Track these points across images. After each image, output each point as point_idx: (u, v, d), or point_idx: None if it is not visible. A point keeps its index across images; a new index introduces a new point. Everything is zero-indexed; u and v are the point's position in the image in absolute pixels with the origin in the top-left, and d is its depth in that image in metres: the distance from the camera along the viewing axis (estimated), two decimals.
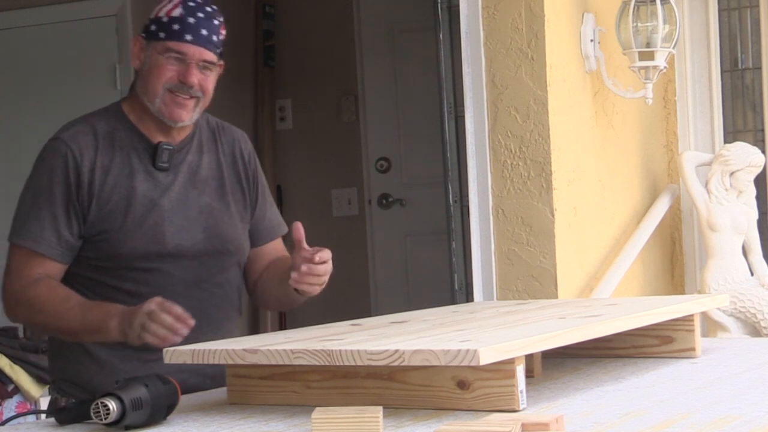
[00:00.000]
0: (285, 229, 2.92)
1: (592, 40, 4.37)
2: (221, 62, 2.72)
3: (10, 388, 4.39)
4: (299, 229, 2.58)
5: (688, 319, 2.43)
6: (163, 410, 1.94)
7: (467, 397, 1.86)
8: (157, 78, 2.62)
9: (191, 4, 2.64)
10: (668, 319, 2.40)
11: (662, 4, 4.37)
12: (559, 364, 2.36)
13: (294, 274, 2.57)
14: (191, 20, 2.62)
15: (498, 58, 4.17)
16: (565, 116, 4.21)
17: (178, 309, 2.41)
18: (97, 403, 1.87)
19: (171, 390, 1.96)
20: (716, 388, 2.06)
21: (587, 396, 2.01)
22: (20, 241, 2.62)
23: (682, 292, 4.98)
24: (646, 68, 4.40)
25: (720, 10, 5.04)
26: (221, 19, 2.68)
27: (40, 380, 4.41)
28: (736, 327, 4.69)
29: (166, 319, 2.40)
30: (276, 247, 2.88)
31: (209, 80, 2.66)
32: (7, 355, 4.39)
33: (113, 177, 2.62)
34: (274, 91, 6.60)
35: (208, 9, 2.66)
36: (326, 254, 2.57)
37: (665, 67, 4.46)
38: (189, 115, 2.64)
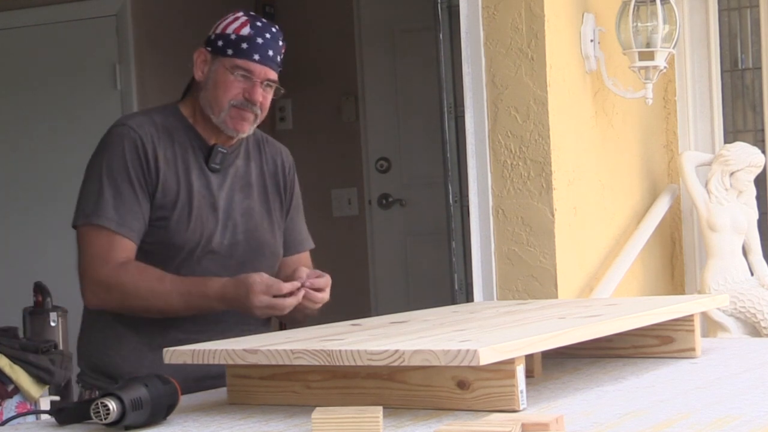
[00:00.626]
0: (311, 245, 3.01)
1: (592, 40, 4.37)
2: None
3: (10, 388, 4.39)
4: (302, 275, 2.65)
5: (688, 319, 2.43)
6: (163, 410, 1.94)
7: (467, 397, 1.86)
8: (224, 93, 2.72)
9: (258, 24, 2.75)
10: (668, 319, 2.40)
11: (662, 4, 4.37)
12: (559, 364, 2.36)
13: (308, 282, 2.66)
14: (260, 41, 2.73)
15: (498, 58, 4.17)
16: (565, 116, 4.21)
17: (287, 285, 2.56)
18: (97, 403, 1.87)
19: (171, 390, 1.96)
20: (716, 388, 2.06)
21: (587, 396, 2.01)
22: (103, 223, 2.63)
23: (682, 292, 4.98)
24: (646, 68, 4.40)
25: (720, 10, 5.04)
26: (283, 40, 2.82)
27: (40, 380, 4.40)
28: (736, 327, 4.69)
29: (279, 300, 2.55)
30: (300, 261, 2.94)
31: (269, 98, 2.79)
32: (7, 355, 4.38)
33: (174, 168, 2.71)
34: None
35: (274, 30, 2.78)
36: (323, 282, 2.67)
37: (665, 67, 4.46)
38: (249, 128, 2.77)
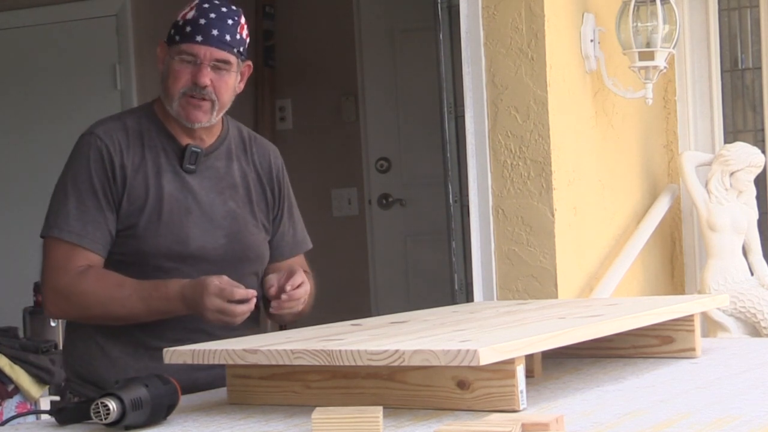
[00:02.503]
0: (308, 245, 2.95)
1: (592, 40, 4.37)
2: (248, 63, 2.77)
3: (10, 388, 4.39)
4: (273, 287, 2.63)
5: (688, 319, 2.43)
6: (163, 410, 1.94)
7: (467, 397, 1.86)
8: (173, 82, 2.66)
9: (205, 5, 2.68)
10: (668, 319, 2.40)
11: (662, 4, 4.37)
12: (559, 364, 2.36)
13: (274, 303, 2.62)
14: (202, 21, 2.65)
15: (498, 58, 4.17)
16: (565, 116, 4.21)
17: (240, 291, 2.48)
18: (97, 403, 1.87)
19: (171, 390, 1.96)
20: (716, 388, 2.06)
21: (587, 396, 2.01)
22: (63, 236, 2.61)
23: (682, 292, 4.97)
24: (646, 68, 4.40)
25: (720, 10, 5.04)
26: (238, 19, 2.71)
27: (40, 380, 4.41)
28: (736, 327, 4.69)
29: (231, 305, 2.47)
30: (297, 263, 2.89)
31: (224, 81, 2.68)
32: (7, 355, 4.38)
33: (143, 174, 2.65)
34: (274, 91, 6.60)
35: (223, 9, 2.69)
36: (298, 278, 2.62)
37: (665, 67, 4.46)
38: (206, 116, 2.67)
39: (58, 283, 2.61)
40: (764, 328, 4.64)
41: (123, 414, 1.86)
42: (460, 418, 1.81)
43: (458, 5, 4.27)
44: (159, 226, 2.63)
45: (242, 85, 2.78)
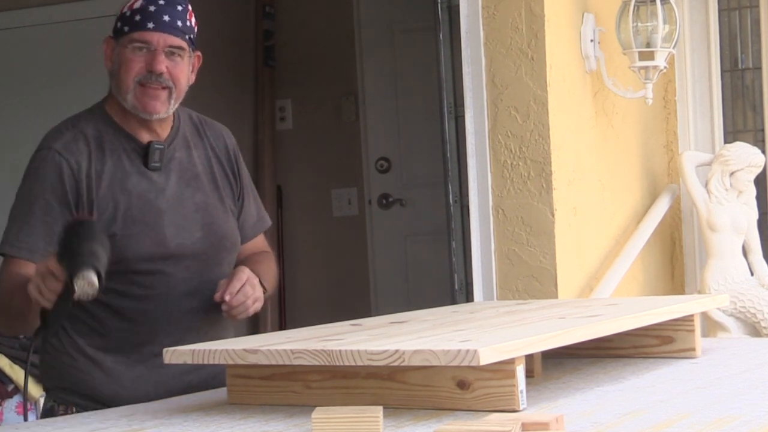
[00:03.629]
0: (268, 222, 2.90)
1: (592, 40, 4.37)
2: (197, 53, 2.69)
3: (10, 388, 4.39)
4: (218, 293, 2.57)
5: (688, 319, 2.44)
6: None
7: (467, 397, 1.86)
8: (126, 72, 2.60)
9: None
10: (668, 319, 2.40)
11: (662, 4, 4.37)
12: (559, 364, 2.36)
13: (224, 308, 2.56)
14: (152, 8, 2.59)
15: (498, 58, 4.17)
16: (565, 116, 4.21)
17: (53, 264, 2.31)
18: (83, 285, 2.00)
19: (91, 224, 2.15)
20: (716, 388, 2.06)
21: (587, 396, 2.01)
22: (14, 252, 2.55)
23: (682, 292, 4.97)
24: (646, 68, 4.40)
25: (720, 10, 5.04)
26: (186, 6, 2.65)
27: (40, 380, 4.41)
28: (736, 327, 4.69)
29: (43, 275, 2.33)
30: (256, 244, 2.85)
31: (179, 68, 2.62)
32: (7, 355, 4.39)
33: (108, 181, 2.59)
34: (274, 91, 6.59)
35: None
36: (236, 284, 2.55)
37: (665, 67, 4.46)
38: (164, 106, 2.61)
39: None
40: (764, 328, 4.64)
41: (100, 276, 2.04)
42: (460, 418, 1.81)
43: (458, 5, 4.27)
44: (134, 231, 2.57)
45: (194, 77, 2.70)
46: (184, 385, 2.51)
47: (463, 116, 4.26)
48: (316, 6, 6.51)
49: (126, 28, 2.61)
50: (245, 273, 2.58)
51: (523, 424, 1.60)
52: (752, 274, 4.74)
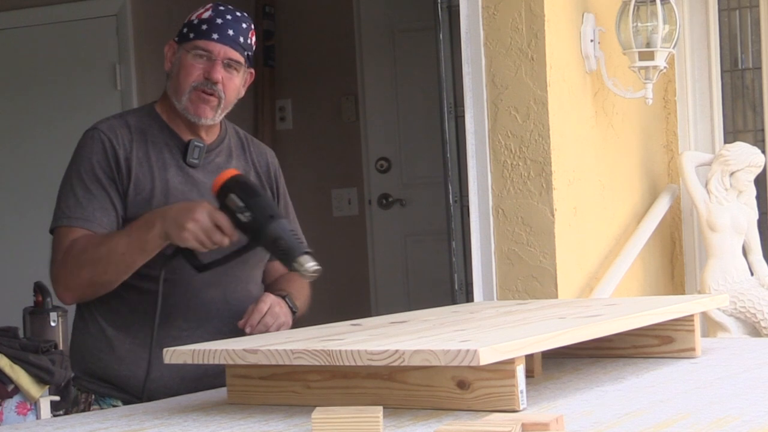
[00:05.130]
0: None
1: (592, 40, 4.37)
2: (251, 70, 2.82)
3: (10, 388, 4.39)
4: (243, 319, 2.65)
5: (688, 319, 2.43)
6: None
7: (467, 397, 1.86)
8: (185, 76, 2.72)
9: (221, 8, 2.76)
10: (668, 319, 2.40)
11: (662, 4, 4.37)
12: (559, 364, 2.36)
13: (247, 329, 2.63)
14: (219, 21, 2.72)
15: (498, 58, 4.17)
16: (565, 116, 4.21)
17: (224, 223, 2.49)
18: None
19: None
20: (716, 388, 2.06)
21: (587, 396, 2.01)
22: (71, 223, 2.63)
23: (682, 292, 4.97)
24: (646, 68, 4.40)
25: (720, 10, 5.04)
26: (249, 24, 2.78)
27: (40, 380, 4.41)
28: (736, 327, 4.69)
29: (210, 228, 2.49)
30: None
31: (233, 81, 2.75)
32: (7, 355, 4.38)
33: (147, 167, 2.69)
34: (274, 91, 6.60)
35: (237, 13, 2.77)
36: (256, 316, 2.64)
37: (665, 67, 4.46)
38: (212, 113, 2.73)
39: (60, 269, 2.63)
40: (764, 328, 4.64)
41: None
42: (460, 418, 1.81)
43: (458, 5, 4.27)
44: None
45: (243, 91, 2.84)
46: (199, 370, 2.53)
47: (463, 116, 4.26)
48: (316, 6, 6.52)
49: (192, 35, 2.73)
50: (266, 303, 2.66)
51: (523, 424, 1.60)
52: (752, 274, 4.74)
